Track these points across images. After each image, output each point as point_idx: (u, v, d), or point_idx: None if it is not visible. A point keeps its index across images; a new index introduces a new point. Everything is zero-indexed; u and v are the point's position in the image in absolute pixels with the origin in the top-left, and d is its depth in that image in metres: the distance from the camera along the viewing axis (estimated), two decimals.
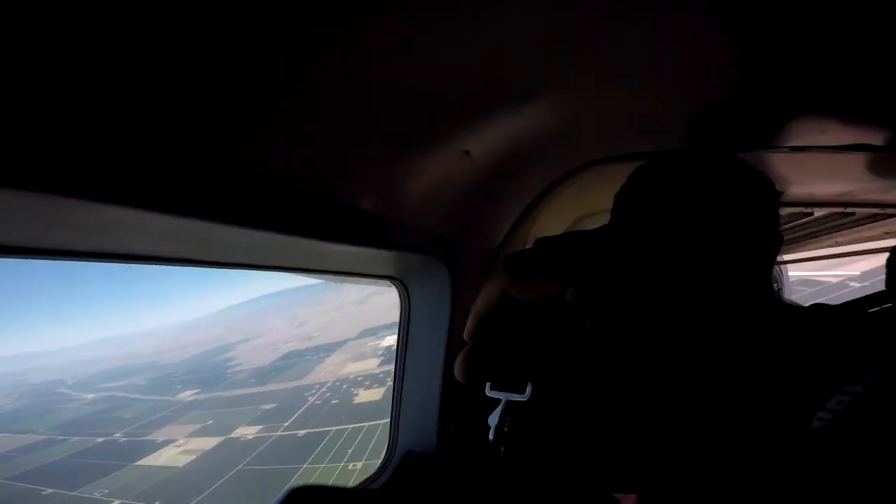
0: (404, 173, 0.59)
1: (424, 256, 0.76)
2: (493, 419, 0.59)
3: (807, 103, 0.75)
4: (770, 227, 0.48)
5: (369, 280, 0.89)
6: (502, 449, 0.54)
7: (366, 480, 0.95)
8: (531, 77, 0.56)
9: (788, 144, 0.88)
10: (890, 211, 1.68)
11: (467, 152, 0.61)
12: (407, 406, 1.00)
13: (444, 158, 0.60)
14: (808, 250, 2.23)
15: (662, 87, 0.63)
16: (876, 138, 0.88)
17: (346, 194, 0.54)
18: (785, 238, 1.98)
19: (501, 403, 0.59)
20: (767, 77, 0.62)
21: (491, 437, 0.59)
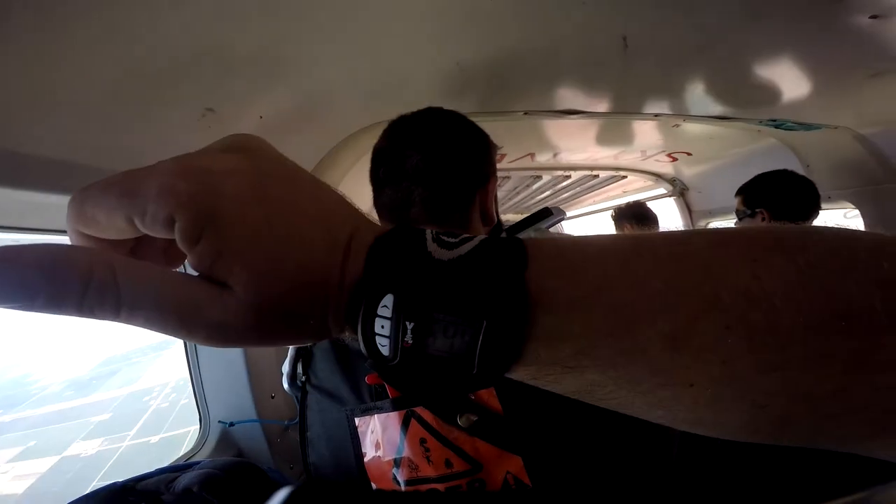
0: (144, 132, 0.59)
1: None
2: (285, 367, 0.65)
3: (537, 74, 0.84)
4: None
5: None
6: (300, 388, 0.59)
7: (186, 454, 0.94)
8: (275, 48, 0.60)
9: (522, 109, 0.98)
10: (622, 173, 2.14)
11: (211, 109, 0.63)
12: (210, 379, 0.99)
13: (187, 116, 0.62)
14: (579, 208, 2.79)
15: (405, 56, 0.71)
16: (593, 105, 1.01)
17: (81, 152, 0.53)
18: (555, 198, 2.42)
19: (290, 352, 0.65)
20: (502, 46, 0.70)
21: (286, 385, 0.65)
